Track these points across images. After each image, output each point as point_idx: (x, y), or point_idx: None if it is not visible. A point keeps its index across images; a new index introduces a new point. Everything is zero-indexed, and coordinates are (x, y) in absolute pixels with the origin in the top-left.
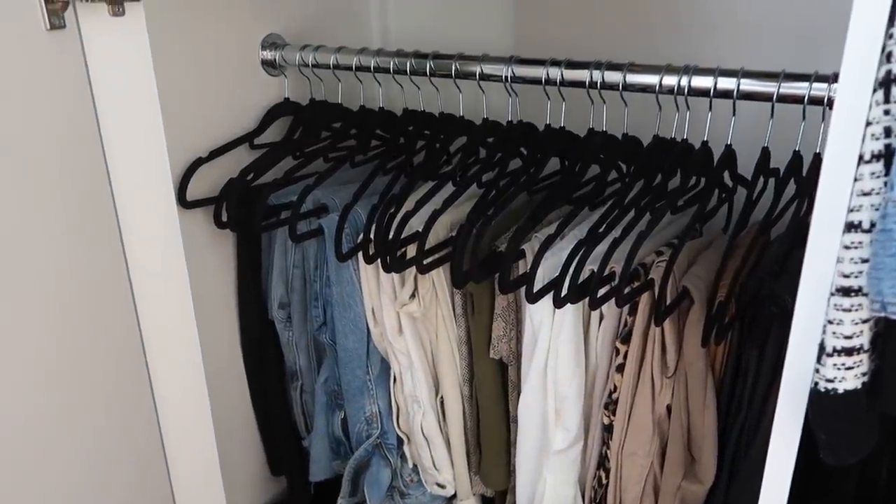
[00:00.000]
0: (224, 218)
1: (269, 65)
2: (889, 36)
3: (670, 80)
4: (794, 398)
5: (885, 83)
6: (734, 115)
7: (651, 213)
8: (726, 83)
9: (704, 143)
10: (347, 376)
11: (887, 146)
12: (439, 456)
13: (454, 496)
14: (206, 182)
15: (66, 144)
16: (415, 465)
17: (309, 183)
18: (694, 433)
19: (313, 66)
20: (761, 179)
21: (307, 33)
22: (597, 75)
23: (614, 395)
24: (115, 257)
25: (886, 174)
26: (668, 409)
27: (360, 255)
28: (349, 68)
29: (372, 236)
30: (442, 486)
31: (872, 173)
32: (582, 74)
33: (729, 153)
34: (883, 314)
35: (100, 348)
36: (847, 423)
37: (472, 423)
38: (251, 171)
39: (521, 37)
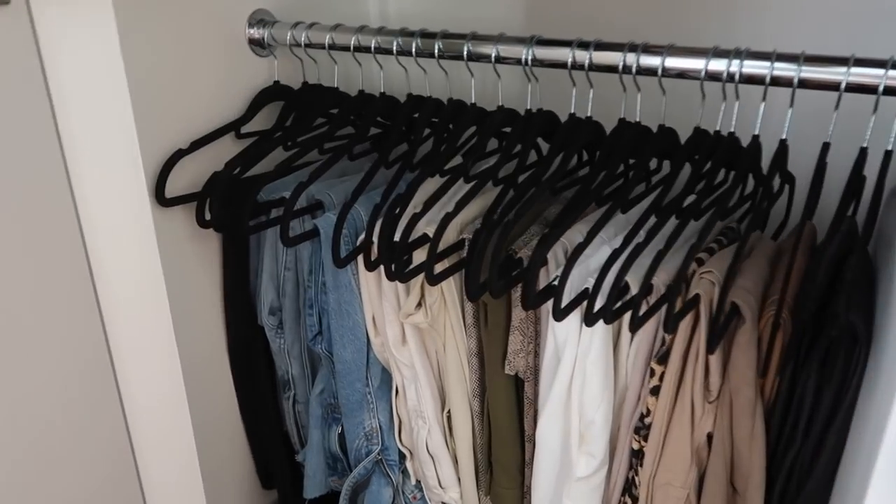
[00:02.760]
0: (207, 217)
1: (256, 44)
2: None
3: (718, 65)
4: (894, 466)
5: None
6: (791, 105)
7: (695, 219)
8: (784, 70)
9: (755, 138)
10: (345, 389)
11: None
12: (445, 474)
13: None
14: (188, 176)
15: (12, 135)
16: (418, 482)
17: (302, 178)
18: (738, 465)
19: (306, 45)
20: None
21: (299, 9)
22: (631, 59)
23: (647, 420)
24: (76, 261)
25: None
26: (709, 437)
27: (359, 259)
28: (347, 48)
29: (374, 240)
30: None
31: None
32: (614, 57)
33: (782, 149)
34: None
35: (61, 364)
36: None
37: (482, 440)
38: (238, 163)
39: (532, 12)
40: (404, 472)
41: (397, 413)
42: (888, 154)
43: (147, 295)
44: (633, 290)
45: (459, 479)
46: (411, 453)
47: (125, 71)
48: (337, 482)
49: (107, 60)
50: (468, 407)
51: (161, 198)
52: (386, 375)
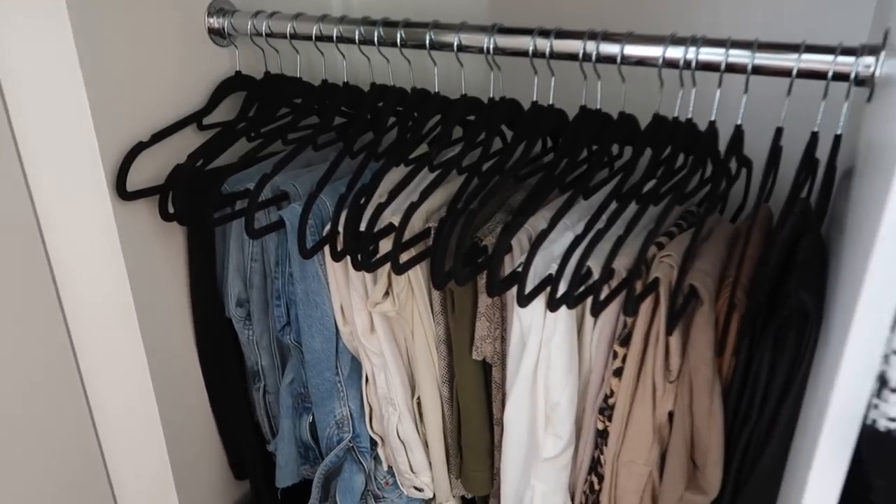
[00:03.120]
0: (171, 210)
1: (216, 34)
2: None
3: (675, 53)
4: (839, 433)
5: None
6: (746, 91)
7: (654, 204)
8: (739, 57)
9: (712, 124)
10: (315, 378)
11: None
12: (417, 459)
13: (433, 499)
14: (150, 169)
15: None
16: (390, 467)
17: (266, 169)
18: (698, 441)
19: (267, 35)
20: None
21: None
22: (591, 47)
23: (610, 401)
24: (35, 260)
25: None
26: (670, 415)
27: (326, 249)
28: (308, 38)
29: (340, 230)
30: (419, 490)
31: None
32: (574, 45)
33: (738, 134)
34: None
35: (23, 364)
36: None
37: (452, 425)
38: (200, 155)
39: (496, 2)
40: (376, 458)
41: (368, 401)
42: (838, 138)
43: (110, 290)
44: (595, 275)
45: (430, 464)
46: (382, 440)
47: (79, 62)
48: (309, 471)
49: (60, 51)
50: (437, 393)
51: (122, 191)
52: (356, 364)
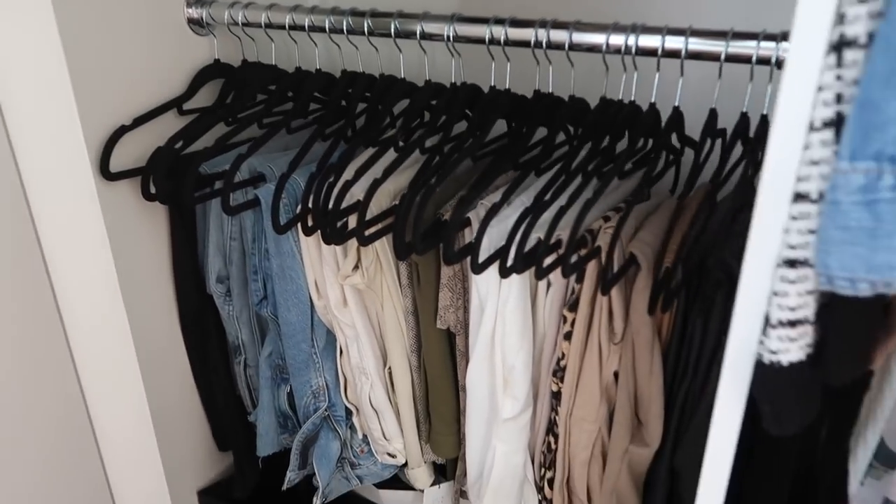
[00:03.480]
0: (152, 190)
1: (195, 23)
2: None
3: (617, 40)
4: (737, 370)
5: (837, 46)
6: (682, 75)
7: (598, 179)
8: (674, 42)
9: (652, 105)
10: (292, 350)
11: (838, 114)
12: (389, 426)
13: (405, 464)
14: (132, 152)
15: None
16: (364, 436)
17: (242, 151)
18: (641, 399)
19: (244, 24)
20: (709, 141)
21: None
22: (542, 34)
23: (562, 363)
24: (26, 239)
25: (836, 143)
26: (616, 375)
27: (299, 226)
28: (282, 27)
29: (310, 206)
30: (392, 456)
31: (822, 142)
32: (526, 33)
33: (676, 115)
34: (829, 288)
35: (16, 342)
36: (790, 394)
37: (420, 392)
38: (180, 138)
39: None
40: (351, 427)
41: (342, 371)
42: (763, 117)
43: (96, 267)
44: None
45: (402, 431)
46: (357, 409)
47: (63, 49)
48: (288, 439)
49: (45, 39)
50: (407, 362)
51: (106, 172)
52: (331, 337)
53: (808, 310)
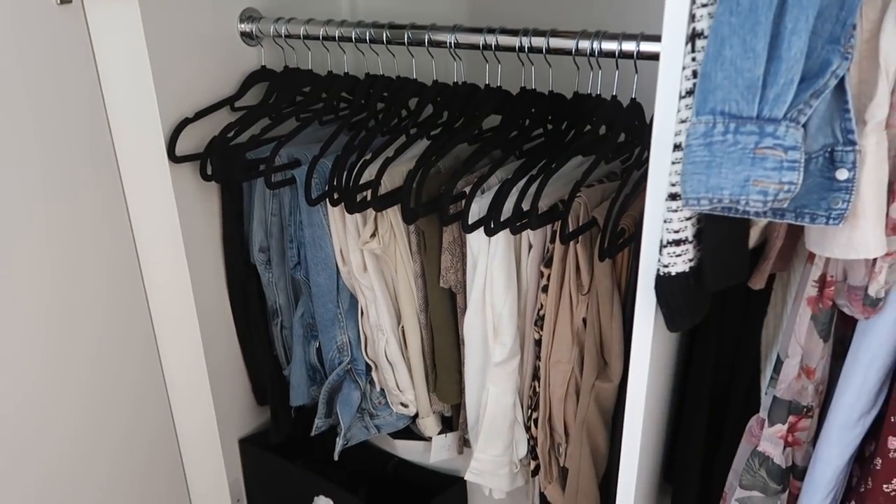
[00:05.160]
0: (209, 171)
1: (246, 36)
2: (692, 2)
3: (584, 44)
4: (647, 285)
5: (691, 37)
6: (636, 72)
7: (561, 161)
8: (626, 45)
9: (613, 97)
10: (320, 309)
11: (694, 84)
12: (402, 378)
13: (417, 415)
14: (193, 140)
15: (74, 104)
16: (382, 389)
17: (284, 142)
18: (605, 341)
19: (286, 36)
20: None
21: (281, 6)
22: (525, 41)
23: (541, 313)
24: (118, 203)
25: None
26: (584, 321)
27: (327, 201)
28: (317, 38)
29: (335, 183)
30: (405, 406)
31: (687, 105)
32: (513, 40)
33: (634, 105)
34: (686, 207)
35: (105, 297)
36: (680, 298)
37: (428, 347)
38: (232, 129)
39: (474, 8)
40: (371, 382)
41: (363, 330)
42: None
43: (167, 235)
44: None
45: (413, 383)
46: (375, 364)
47: (148, 56)
48: (316, 391)
49: (135, 48)
50: (417, 320)
51: (172, 155)
52: (353, 300)
53: (688, 232)
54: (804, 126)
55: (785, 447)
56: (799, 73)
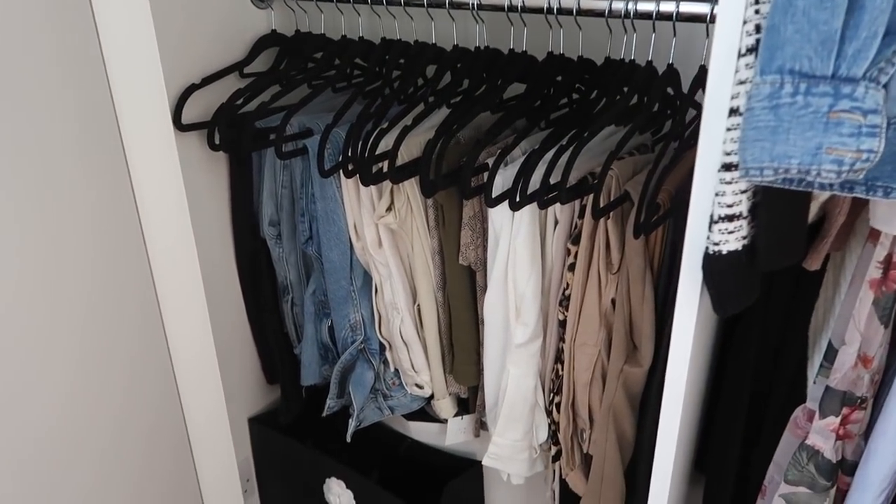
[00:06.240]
0: (217, 141)
1: None
2: None
3: (618, 5)
4: (692, 265)
5: None
6: (675, 35)
7: (597, 130)
8: (667, 6)
9: (649, 63)
10: (333, 286)
11: (757, 41)
12: (417, 359)
13: (432, 396)
14: (200, 108)
15: (71, 68)
16: (396, 370)
17: (295, 110)
18: (635, 323)
19: None
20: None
21: None
22: (553, 1)
23: (567, 292)
24: (120, 174)
25: None
26: (613, 302)
27: (341, 173)
28: (330, 0)
29: (350, 153)
30: (420, 387)
31: (747, 65)
32: (540, 1)
33: (671, 71)
34: (746, 178)
35: (110, 273)
36: (730, 280)
37: (445, 327)
38: (240, 96)
39: None
40: (385, 362)
41: (377, 308)
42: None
43: (173, 206)
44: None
45: (429, 364)
46: (389, 344)
47: (153, 20)
48: (328, 370)
49: (138, 11)
50: (433, 298)
51: (179, 123)
52: (367, 277)
53: (743, 206)
54: (885, 87)
55: (836, 440)
56: (884, 25)
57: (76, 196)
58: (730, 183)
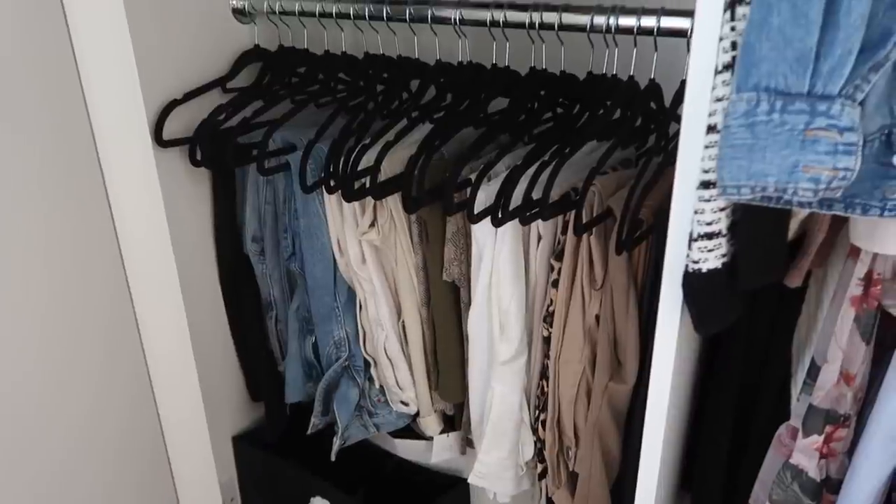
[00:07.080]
0: (198, 157)
1: (239, 13)
2: None
3: (600, 20)
4: (673, 283)
5: (731, 4)
6: (656, 50)
7: (579, 144)
8: (648, 21)
9: (631, 77)
10: (317, 303)
11: (734, 58)
12: (402, 376)
13: (417, 414)
14: (182, 123)
15: (44, 82)
16: (381, 387)
17: (277, 126)
18: (619, 339)
19: (280, 13)
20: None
21: None
22: (535, 16)
23: (550, 309)
24: (97, 191)
25: None
26: (597, 318)
27: (324, 189)
28: (314, 14)
29: (331, 169)
30: (406, 404)
31: (724, 82)
32: (522, 16)
33: (653, 86)
34: (724, 197)
35: (85, 287)
36: (711, 298)
37: (430, 343)
38: (223, 112)
39: None
40: (370, 379)
41: (361, 325)
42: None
43: (152, 222)
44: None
45: (414, 380)
46: (374, 361)
47: (130, 33)
48: (312, 388)
49: (115, 25)
50: (418, 315)
51: (160, 139)
52: (351, 293)
53: (722, 224)
54: (861, 104)
55: (819, 459)
56: (858, 42)
57: (50, 214)
58: (708, 201)
